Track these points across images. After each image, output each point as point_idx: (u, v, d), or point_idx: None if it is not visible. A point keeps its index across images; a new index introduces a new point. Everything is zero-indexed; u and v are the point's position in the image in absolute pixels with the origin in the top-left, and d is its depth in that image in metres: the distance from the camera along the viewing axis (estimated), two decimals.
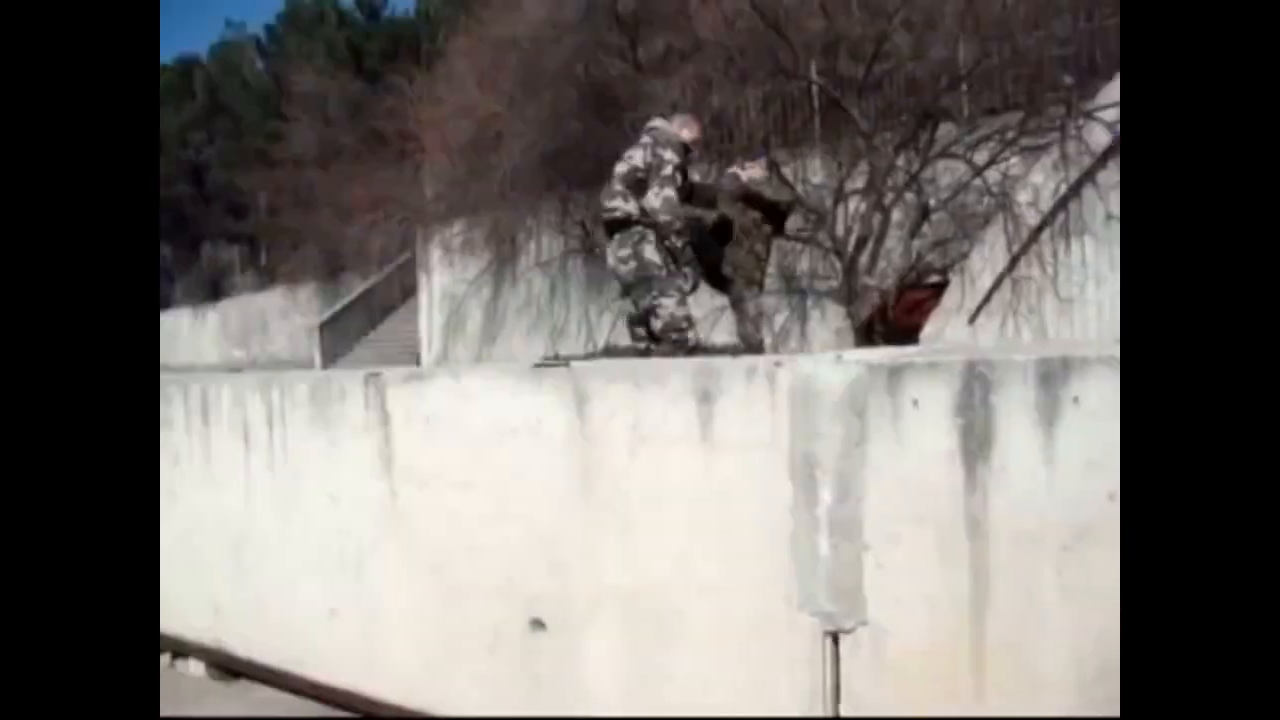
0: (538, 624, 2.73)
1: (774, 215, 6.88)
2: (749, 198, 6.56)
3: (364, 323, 21.51)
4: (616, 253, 4.39)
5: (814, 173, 10.49)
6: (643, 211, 4.27)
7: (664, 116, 4.80)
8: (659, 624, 2.50)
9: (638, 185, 4.31)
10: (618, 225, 4.38)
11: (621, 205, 4.33)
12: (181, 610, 3.98)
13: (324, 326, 21.15)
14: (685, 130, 4.57)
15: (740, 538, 2.33)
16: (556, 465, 2.65)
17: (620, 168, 4.39)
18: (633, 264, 4.33)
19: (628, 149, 4.52)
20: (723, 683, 2.40)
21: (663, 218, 4.20)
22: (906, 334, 8.46)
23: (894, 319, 9.10)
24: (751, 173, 6.87)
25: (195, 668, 3.94)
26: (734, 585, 2.35)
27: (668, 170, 4.22)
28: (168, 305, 31.83)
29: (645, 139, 4.38)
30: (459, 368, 3.20)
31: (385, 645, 3.18)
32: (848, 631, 2.17)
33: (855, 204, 9.64)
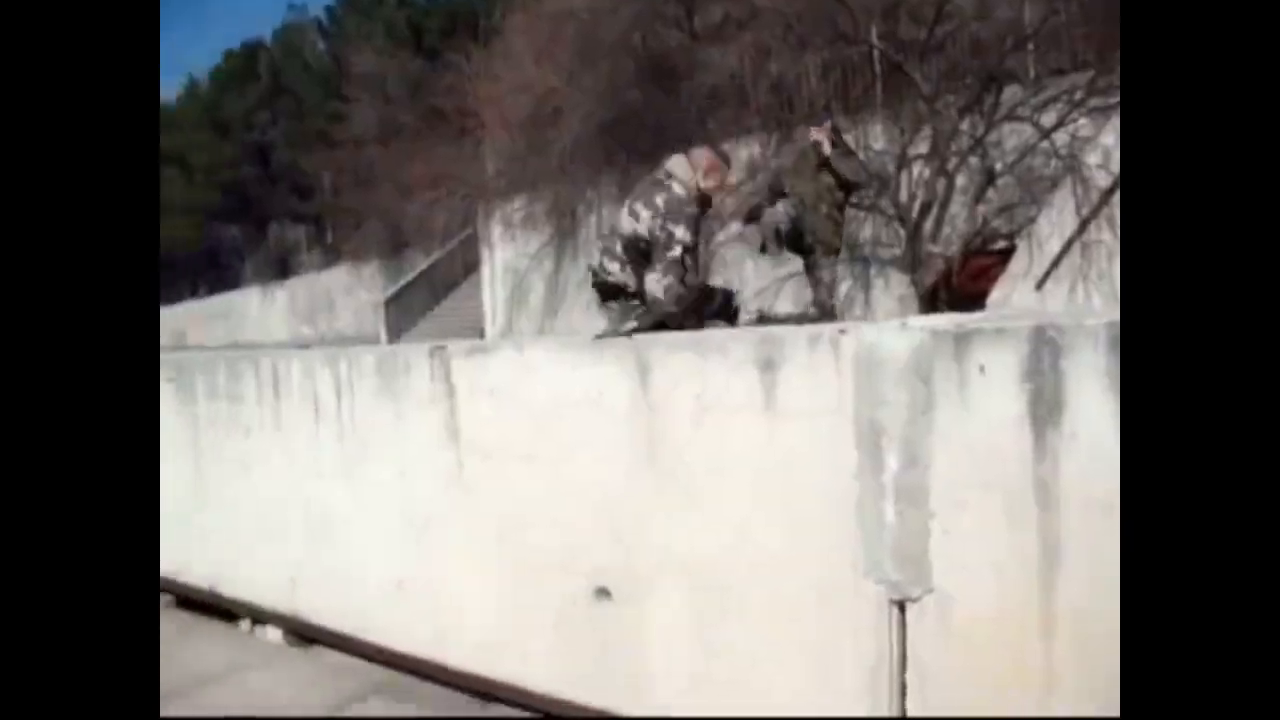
0: (602, 593, 2.75)
1: (847, 182, 6.87)
2: (824, 163, 6.56)
3: (428, 298, 21.76)
4: (615, 321, 3.68)
5: (876, 139, 10.33)
6: (640, 285, 3.63)
7: (684, 151, 3.92)
8: (723, 593, 2.50)
9: (640, 256, 3.60)
10: (610, 291, 3.76)
11: (617, 274, 3.70)
12: (259, 579, 4.10)
13: (389, 303, 21.45)
14: (704, 173, 3.54)
15: (804, 506, 2.33)
16: (619, 435, 2.66)
17: (624, 225, 3.70)
18: (632, 323, 3.69)
19: (635, 197, 3.76)
20: (787, 651, 2.40)
21: (666, 308, 3.52)
22: (972, 301, 8.32)
23: (959, 286, 8.96)
24: (818, 137, 6.84)
25: (273, 634, 4.06)
26: (798, 553, 2.35)
27: (676, 252, 3.53)
28: (237, 284, 32.55)
29: (657, 199, 3.59)
30: (522, 340, 3.23)
31: (452, 613, 3.23)
32: (914, 599, 2.16)
33: (918, 170, 9.48)
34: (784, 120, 10.65)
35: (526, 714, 3.04)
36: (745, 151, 12.19)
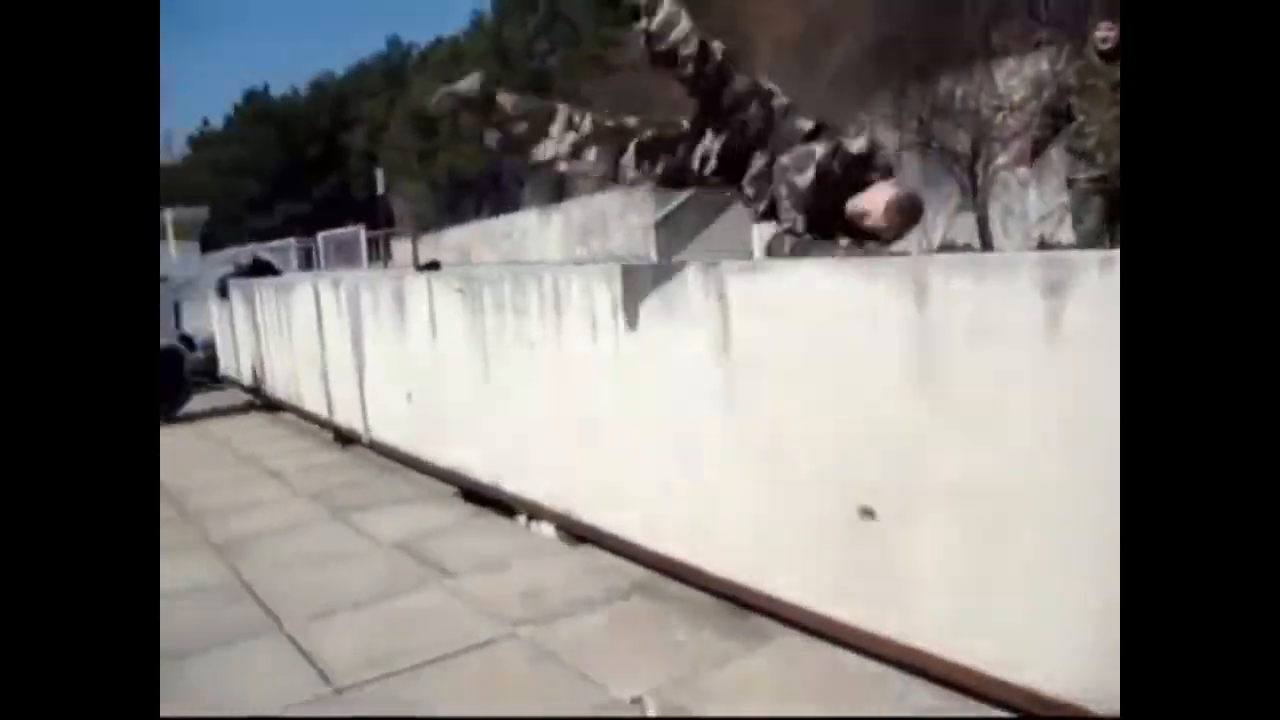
0: (867, 513, 2.75)
1: None
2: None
3: (698, 221, 21.94)
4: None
5: None
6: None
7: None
8: (993, 521, 2.44)
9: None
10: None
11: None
12: (535, 478, 4.40)
13: (659, 225, 21.85)
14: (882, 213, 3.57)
15: (1085, 438, 2.22)
16: (891, 355, 2.63)
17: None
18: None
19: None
20: (1059, 587, 2.32)
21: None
22: None
23: None
24: (1108, 34, 6.34)
25: (547, 530, 4.36)
26: (1074, 486, 2.25)
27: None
28: (517, 206, 34.31)
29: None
30: (795, 258, 3.23)
31: (714, 524, 3.34)
32: None
33: None
34: (1077, 33, 9.85)
35: (779, 624, 3.12)
36: (1031, 69, 11.41)
